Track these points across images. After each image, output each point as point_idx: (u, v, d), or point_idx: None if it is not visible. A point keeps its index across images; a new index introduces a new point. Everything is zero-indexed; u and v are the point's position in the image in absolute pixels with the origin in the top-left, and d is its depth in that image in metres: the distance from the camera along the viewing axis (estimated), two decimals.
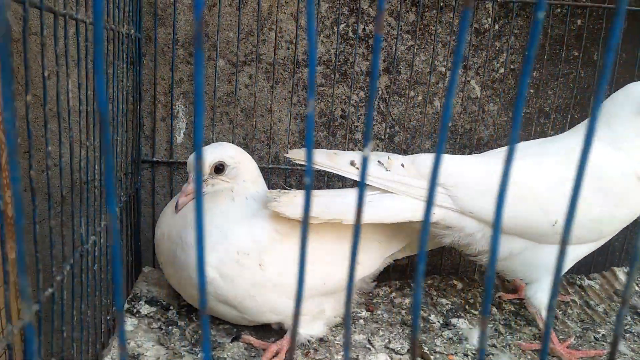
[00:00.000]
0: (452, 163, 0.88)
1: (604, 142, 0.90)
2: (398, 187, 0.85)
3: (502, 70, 1.15)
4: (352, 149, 1.15)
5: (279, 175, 1.14)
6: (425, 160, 0.90)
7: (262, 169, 1.13)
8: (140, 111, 1.05)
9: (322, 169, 0.86)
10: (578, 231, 0.87)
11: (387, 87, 1.13)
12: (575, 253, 0.90)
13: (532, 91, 1.17)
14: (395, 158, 0.89)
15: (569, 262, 0.92)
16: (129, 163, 1.03)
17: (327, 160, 0.85)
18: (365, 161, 0.31)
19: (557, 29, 1.15)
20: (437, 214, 0.86)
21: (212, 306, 0.79)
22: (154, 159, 1.08)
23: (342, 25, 1.09)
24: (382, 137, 1.16)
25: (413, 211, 0.85)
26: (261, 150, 1.12)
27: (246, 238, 0.78)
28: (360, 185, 0.32)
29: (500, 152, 0.97)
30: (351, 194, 0.86)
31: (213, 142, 1.09)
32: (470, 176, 0.86)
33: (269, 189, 1.13)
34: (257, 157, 1.12)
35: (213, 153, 0.81)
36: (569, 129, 1.19)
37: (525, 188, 0.85)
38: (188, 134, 1.09)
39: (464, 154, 1.17)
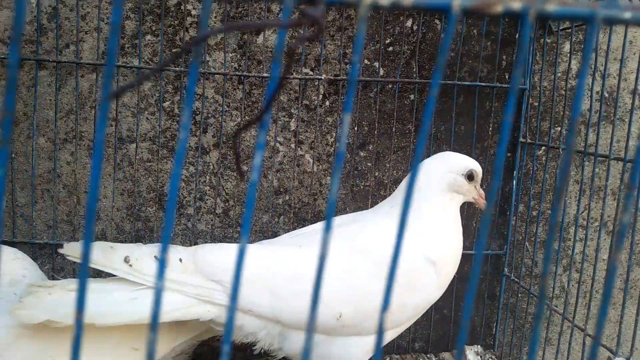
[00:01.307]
0: (228, 258, 0.84)
1: (394, 219, 0.88)
2: (171, 285, 0.79)
3: (336, 144, 1.15)
4: (185, 224, 1.14)
5: None
6: (205, 254, 0.85)
7: None
8: None
9: (96, 267, 0.79)
10: (367, 323, 0.84)
11: (219, 162, 1.13)
12: (371, 344, 0.86)
13: (369, 164, 1.17)
14: (173, 252, 0.84)
15: (365, 355, 0.88)
16: None
17: (102, 257, 0.81)
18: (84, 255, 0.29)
19: (389, 104, 1.16)
20: (212, 312, 0.81)
21: None
22: None
23: (167, 103, 1.10)
24: (217, 212, 1.14)
25: (185, 309, 0.80)
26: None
27: None
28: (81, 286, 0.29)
29: (290, 237, 0.95)
30: (119, 289, 0.83)
31: (33, 219, 1.08)
32: (245, 271, 0.83)
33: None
34: (81, 234, 1.10)
35: None
36: None
37: (307, 281, 0.82)
38: (8, 212, 1.08)
39: (303, 226, 1.15)
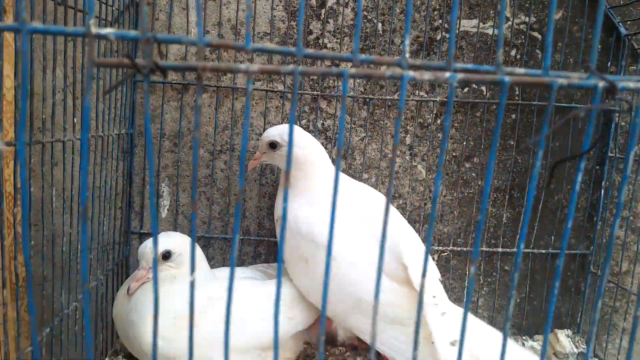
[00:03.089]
0: None
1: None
2: None
3: (445, 157, 1.33)
4: None
5: (250, 244, 1.32)
6: None
7: None
8: (131, 191, 1.26)
9: None
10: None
11: (344, 170, 1.31)
12: None
13: (473, 174, 1.34)
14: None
15: None
16: (120, 234, 1.23)
17: None
18: None
19: (493, 122, 1.32)
20: None
21: None
22: (142, 231, 1.28)
23: (304, 121, 1.29)
24: None
25: None
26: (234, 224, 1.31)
27: (181, 303, 0.92)
28: None
29: None
30: None
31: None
32: None
33: (240, 256, 1.31)
34: (230, 228, 1.31)
35: (161, 242, 0.96)
36: (507, 206, 1.35)
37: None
38: (171, 210, 1.29)
39: (414, 227, 1.33)
